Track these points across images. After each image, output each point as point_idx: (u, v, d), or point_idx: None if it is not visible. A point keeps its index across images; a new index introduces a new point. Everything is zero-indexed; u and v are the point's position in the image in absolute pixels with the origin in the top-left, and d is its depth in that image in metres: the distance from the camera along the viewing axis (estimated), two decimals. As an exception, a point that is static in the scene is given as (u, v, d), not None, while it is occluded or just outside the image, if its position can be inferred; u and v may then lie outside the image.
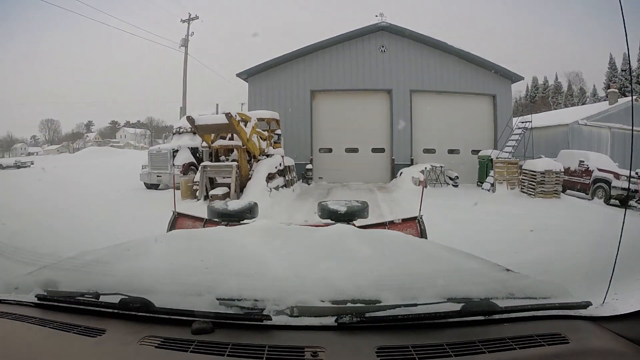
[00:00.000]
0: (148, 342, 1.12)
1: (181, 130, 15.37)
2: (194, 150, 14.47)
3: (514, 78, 17.86)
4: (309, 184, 16.34)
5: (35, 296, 1.36)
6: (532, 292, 1.36)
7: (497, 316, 1.25)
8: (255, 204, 2.90)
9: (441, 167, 15.28)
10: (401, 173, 15.49)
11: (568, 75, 45.73)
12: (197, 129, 11.97)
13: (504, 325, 1.23)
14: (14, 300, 1.39)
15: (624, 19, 1.55)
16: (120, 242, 1.91)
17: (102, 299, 1.30)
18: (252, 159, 12.68)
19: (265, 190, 11.64)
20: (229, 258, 1.57)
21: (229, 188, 11.52)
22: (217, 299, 1.24)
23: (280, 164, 13.48)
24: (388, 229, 3.59)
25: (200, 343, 1.11)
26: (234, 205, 2.80)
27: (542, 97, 44.34)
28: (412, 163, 16.66)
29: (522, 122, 16.05)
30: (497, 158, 14.65)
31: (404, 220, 3.71)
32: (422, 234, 3.56)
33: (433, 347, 1.10)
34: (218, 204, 2.84)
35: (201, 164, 12.36)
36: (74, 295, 1.34)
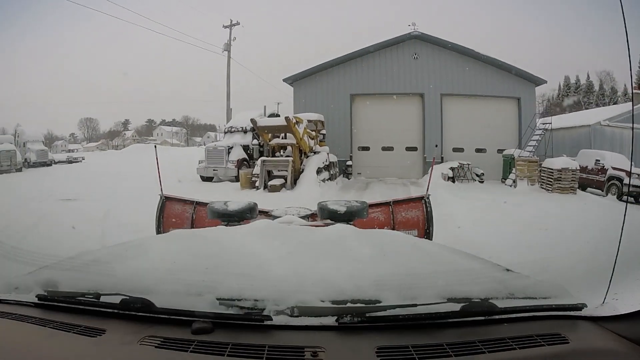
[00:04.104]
0: (148, 342, 1.13)
1: (232, 129, 17.16)
2: (245, 148, 16.24)
3: (538, 81, 18.67)
4: (349, 179, 17.56)
5: (36, 296, 1.36)
6: (532, 292, 1.35)
7: (497, 316, 1.24)
8: (255, 204, 2.87)
9: (468, 164, 16.49)
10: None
11: (599, 74, 43.31)
12: (258, 129, 14.16)
13: (503, 325, 1.23)
14: (14, 300, 1.39)
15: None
16: (121, 242, 1.90)
17: (102, 299, 1.29)
18: (303, 155, 14.39)
19: (316, 182, 13.43)
20: (229, 258, 1.55)
21: (285, 180, 13.13)
22: (217, 299, 1.23)
23: (326, 160, 15.11)
24: (392, 208, 3.68)
25: (200, 343, 1.11)
26: (234, 205, 2.77)
27: (574, 97, 42.54)
28: (442, 161, 17.36)
29: (543, 124, 16.96)
30: (519, 157, 15.46)
31: (410, 200, 3.76)
32: (428, 215, 3.61)
33: (433, 347, 1.10)
34: (218, 204, 2.80)
35: (260, 158, 14.04)
36: (74, 295, 1.34)
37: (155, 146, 4.27)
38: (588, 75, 44.22)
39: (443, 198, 11.49)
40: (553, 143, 16.43)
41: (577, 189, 13.94)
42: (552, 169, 13.96)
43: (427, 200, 3.70)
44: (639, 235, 1.95)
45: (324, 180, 14.21)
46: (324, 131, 16.82)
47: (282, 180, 13.17)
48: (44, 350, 1.13)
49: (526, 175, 14.92)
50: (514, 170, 15.43)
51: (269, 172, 13.62)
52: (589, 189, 14.59)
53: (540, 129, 16.83)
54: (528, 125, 17.42)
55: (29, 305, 1.36)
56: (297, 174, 13.63)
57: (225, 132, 17.97)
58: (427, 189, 3.77)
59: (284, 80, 19.51)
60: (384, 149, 19.14)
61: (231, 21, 25.04)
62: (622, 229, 1.60)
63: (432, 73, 18.56)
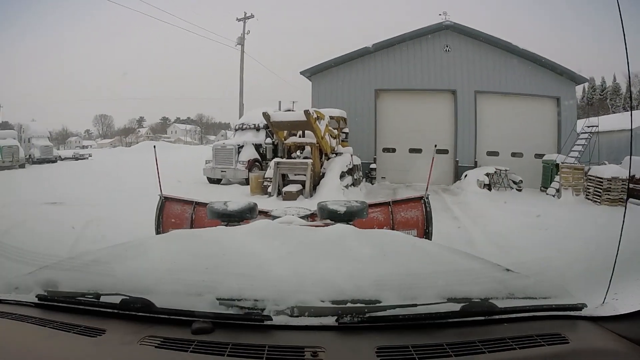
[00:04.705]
0: (148, 342, 1.13)
1: (244, 126, 15.51)
2: (257, 147, 14.70)
3: (579, 80, 16.90)
4: (372, 184, 15.83)
5: (36, 296, 1.37)
6: (532, 292, 1.36)
7: (497, 316, 1.24)
8: (255, 204, 2.89)
9: (506, 170, 14.77)
10: (466, 175, 15.05)
11: (627, 76, 42.12)
12: (272, 125, 12.17)
13: (504, 325, 1.23)
14: (14, 300, 1.40)
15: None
16: (120, 242, 1.92)
17: (102, 299, 1.30)
18: (323, 157, 12.62)
19: (339, 189, 11.44)
20: (229, 258, 1.55)
21: (303, 185, 11.39)
22: (217, 299, 1.24)
23: (349, 163, 13.21)
24: (392, 208, 3.80)
25: (200, 343, 1.11)
26: (233, 205, 2.79)
27: (600, 100, 40.69)
28: (475, 165, 15.98)
29: (589, 127, 14.88)
30: (562, 163, 13.74)
31: (409, 200, 3.90)
32: (427, 215, 3.72)
33: (433, 347, 1.10)
34: (218, 204, 2.81)
35: (274, 160, 12.27)
36: (74, 295, 1.34)
37: (154, 146, 4.24)
38: (614, 77, 42.49)
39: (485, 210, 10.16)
40: (599, 149, 14.69)
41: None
42: (601, 178, 12.42)
43: (426, 200, 3.77)
44: (639, 235, 1.95)
45: (347, 187, 12.21)
46: (346, 129, 14.95)
47: (299, 186, 11.38)
48: (44, 350, 1.14)
49: (571, 184, 13.35)
50: (556, 178, 13.74)
51: (284, 176, 11.87)
52: (630, 199, 12.92)
53: (585, 132, 15.05)
54: (572, 128, 15.54)
55: (29, 305, 1.37)
56: (316, 179, 11.79)
57: (235, 130, 16.10)
58: (427, 188, 3.90)
59: (302, 72, 17.67)
60: (411, 150, 17.11)
61: (245, 14, 23.97)
62: (622, 229, 1.58)
63: (465, 68, 16.70)
